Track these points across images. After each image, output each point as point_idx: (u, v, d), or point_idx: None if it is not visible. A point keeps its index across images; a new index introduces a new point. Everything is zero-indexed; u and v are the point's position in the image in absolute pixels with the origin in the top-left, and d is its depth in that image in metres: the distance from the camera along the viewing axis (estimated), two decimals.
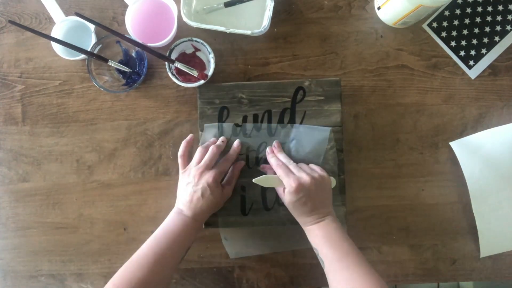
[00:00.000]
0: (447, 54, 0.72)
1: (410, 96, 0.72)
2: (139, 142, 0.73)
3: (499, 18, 0.72)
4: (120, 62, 0.71)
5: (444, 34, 0.72)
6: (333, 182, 0.65)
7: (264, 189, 0.68)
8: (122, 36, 0.67)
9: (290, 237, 0.71)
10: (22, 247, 0.73)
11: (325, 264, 0.58)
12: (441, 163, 0.72)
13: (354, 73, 0.72)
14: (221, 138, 0.67)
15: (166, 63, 0.68)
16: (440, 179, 0.72)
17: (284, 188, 0.61)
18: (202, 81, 0.68)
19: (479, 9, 0.72)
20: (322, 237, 0.59)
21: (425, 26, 0.73)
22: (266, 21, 0.68)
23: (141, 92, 0.73)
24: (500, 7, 0.72)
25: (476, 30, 0.72)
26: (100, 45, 0.69)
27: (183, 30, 0.71)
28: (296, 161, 0.65)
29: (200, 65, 0.71)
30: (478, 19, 0.72)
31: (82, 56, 0.69)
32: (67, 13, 0.71)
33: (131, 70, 0.70)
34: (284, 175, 0.61)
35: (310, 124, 0.68)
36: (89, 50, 0.68)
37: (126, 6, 0.69)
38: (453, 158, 0.71)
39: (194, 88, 0.71)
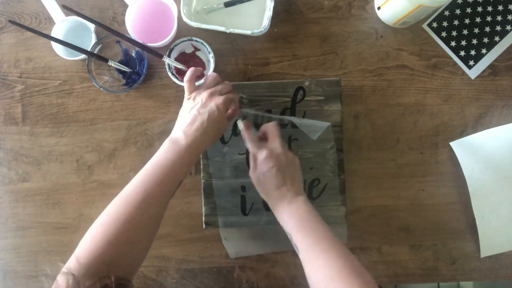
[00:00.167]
0: (447, 54, 0.72)
1: (410, 96, 0.72)
2: (139, 142, 0.73)
3: (499, 18, 0.72)
4: (120, 62, 0.71)
5: (444, 34, 0.72)
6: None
7: None
8: (121, 35, 0.67)
9: (290, 237, 0.71)
10: (22, 247, 0.73)
11: (299, 250, 0.56)
12: (441, 163, 0.72)
13: (354, 73, 0.72)
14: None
15: (166, 62, 0.68)
16: (440, 179, 0.72)
17: (255, 162, 0.59)
18: (202, 81, 0.67)
19: (479, 9, 0.72)
20: (295, 222, 0.57)
21: (425, 26, 0.73)
22: (266, 21, 0.68)
23: (141, 92, 0.73)
24: (500, 7, 0.72)
25: (476, 30, 0.72)
26: (100, 45, 0.69)
27: (183, 30, 0.71)
28: None
29: (200, 65, 0.71)
30: (478, 19, 0.72)
31: (82, 56, 0.69)
32: (67, 13, 0.71)
33: (131, 70, 0.70)
34: (256, 146, 0.60)
35: None
36: (89, 50, 0.68)
37: (126, 6, 0.69)
38: (453, 158, 0.71)
39: None
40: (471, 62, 0.72)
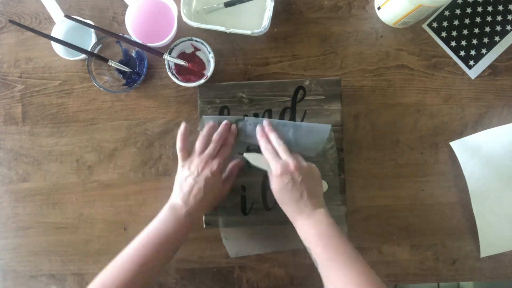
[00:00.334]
0: (447, 54, 0.72)
1: (410, 96, 0.72)
2: (139, 142, 0.73)
3: (499, 18, 0.72)
4: (120, 62, 0.71)
5: (444, 34, 0.72)
6: (325, 186, 0.65)
7: (264, 189, 0.68)
8: (122, 37, 0.67)
9: (290, 237, 0.71)
10: (22, 247, 0.73)
11: (319, 264, 0.55)
12: (441, 163, 0.72)
13: (354, 73, 0.72)
14: (224, 122, 0.65)
15: (166, 62, 0.68)
16: (440, 179, 0.72)
17: (271, 178, 0.60)
18: (202, 81, 0.68)
19: (479, 9, 0.72)
20: (314, 236, 0.56)
21: (425, 26, 0.73)
22: (266, 21, 0.68)
23: (141, 92, 0.73)
24: (500, 7, 0.72)
25: (476, 30, 0.72)
26: (100, 45, 0.69)
27: (183, 30, 0.71)
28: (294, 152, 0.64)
29: (200, 65, 0.71)
30: (478, 19, 0.72)
31: (82, 56, 0.69)
32: (67, 13, 0.71)
33: (131, 70, 0.70)
34: (271, 158, 0.59)
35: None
36: (89, 50, 0.68)
37: (126, 6, 0.69)
38: (453, 158, 0.71)
39: (194, 88, 0.71)
40: (471, 62, 0.72)
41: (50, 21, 0.73)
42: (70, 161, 0.73)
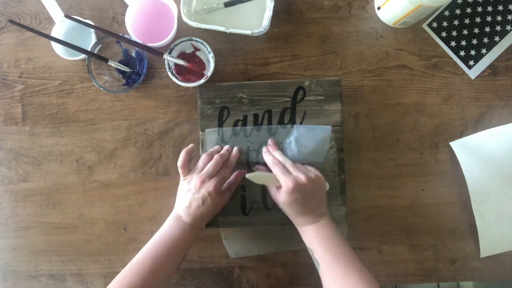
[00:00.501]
0: (447, 54, 0.72)
1: (410, 96, 0.72)
2: (139, 142, 0.73)
3: (499, 18, 0.72)
4: (120, 62, 0.71)
5: (444, 34, 0.72)
6: (327, 185, 0.65)
7: (264, 189, 0.68)
8: (122, 37, 0.67)
9: (290, 237, 0.71)
10: (22, 247, 0.73)
11: (320, 265, 0.58)
12: (441, 163, 0.72)
13: (354, 73, 0.72)
14: (226, 147, 0.67)
15: (166, 62, 0.68)
16: (440, 179, 0.72)
17: (278, 188, 0.61)
18: (202, 81, 0.68)
19: (479, 9, 0.72)
20: (317, 239, 0.60)
21: (425, 26, 0.73)
22: (266, 21, 0.68)
23: (141, 92, 0.73)
24: (500, 7, 0.72)
25: (476, 30, 0.72)
26: (100, 45, 0.69)
27: (183, 30, 0.71)
28: (297, 161, 0.65)
29: (200, 65, 0.71)
30: (478, 19, 0.72)
31: (82, 56, 0.69)
32: (67, 13, 0.71)
33: (131, 70, 0.70)
34: (281, 174, 0.60)
35: (310, 123, 0.68)
36: (89, 50, 0.68)
37: (126, 6, 0.69)
38: (453, 158, 0.71)
39: (194, 88, 0.71)
40: (471, 62, 0.72)
41: (50, 21, 0.73)
42: (70, 161, 0.73)
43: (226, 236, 0.71)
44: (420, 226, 0.72)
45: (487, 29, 0.72)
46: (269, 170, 0.64)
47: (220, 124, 0.69)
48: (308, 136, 0.67)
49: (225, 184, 0.65)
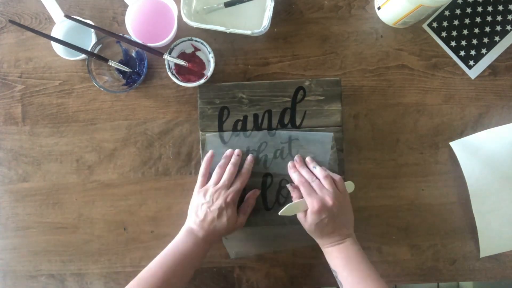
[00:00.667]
0: (447, 54, 0.72)
1: (410, 96, 0.72)
2: (139, 142, 0.73)
3: (499, 18, 0.72)
4: (120, 62, 0.71)
5: (444, 34, 0.72)
6: (351, 186, 0.65)
7: (264, 189, 0.68)
8: (122, 37, 0.67)
9: (290, 237, 0.71)
10: (22, 247, 0.73)
11: (344, 286, 0.59)
12: (441, 163, 0.72)
13: (354, 73, 0.72)
14: (236, 151, 0.67)
15: (166, 62, 0.68)
16: (440, 179, 0.72)
17: (305, 211, 0.61)
18: (202, 81, 0.68)
19: (479, 9, 0.72)
20: (341, 260, 0.60)
21: (425, 26, 0.73)
22: (266, 21, 0.68)
23: (141, 92, 0.73)
24: (500, 7, 0.72)
25: (476, 30, 0.72)
26: (100, 45, 0.69)
27: (183, 30, 0.71)
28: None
29: (200, 65, 0.71)
30: (478, 19, 0.72)
31: (82, 56, 0.69)
32: (67, 13, 0.71)
33: (131, 70, 0.70)
34: (307, 194, 0.61)
35: (310, 124, 0.68)
36: (89, 50, 0.68)
37: (126, 6, 0.69)
38: (453, 158, 0.71)
39: (194, 88, 0.71)
40: (471, 62, 0.72)
41: (50, 21, 0.73)
42: (70, 161, 0.73)
43: (226, 236, 0.71)
44: (420, 226, 0.72)
45: (487, 29, 0.72)
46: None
47: (220, 124, 0.69)
48: (310, 142, 0.67)
49: (240, 208, 0.65)
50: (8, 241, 0.73)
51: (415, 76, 0.72)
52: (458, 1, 0.72)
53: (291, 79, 0.72)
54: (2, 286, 0.73)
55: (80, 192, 0.73)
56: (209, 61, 0.70)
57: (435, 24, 0.72)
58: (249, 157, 0.67)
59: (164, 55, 0.67)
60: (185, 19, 0.68)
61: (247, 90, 0.69)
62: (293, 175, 0.65)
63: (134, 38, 0.67)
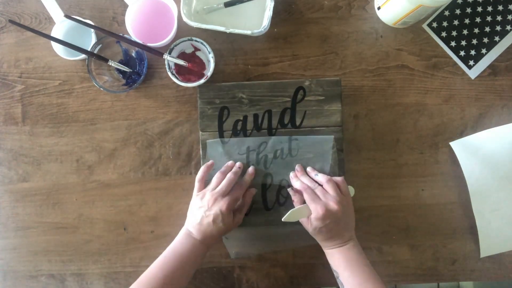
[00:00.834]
0: (447, 54, 0.72)
1: (410, 96, 0.72)
2: (139, 142, 0.73)
3: (499, 18, 0.72)
4: (120, 62, 0.71)
5: (444, 34, 0.72)
6: (352, 191, 0.66)
7: (264, 189, 0.68)
8: (122, 37, 0.67)
9: (290, 237, 0.71)
10: (22, 247, 0.73)
11: (345, 287, 0.60)
12: (441, 163, 0.72)
13: (354, 73, 0.72)
14: (238, 164, 0.67)
15: (166, 62, 0.68)
16: (440, 179, 0.72)
17: (309, 216, 0.62)
18: (202, 81, 0.68)
19: (479, 9, 0.72)
20: (343, 261, 0.61)
21: (425, 26, 0.73)
22: (266, 21, 0.68)
23: (141, 92, 0.73)
24: (500, 7, 0.72)
25: (476, 30, 0.72)
26: (100, 45, 0.69)
27: (183, 30, 0.71)
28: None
29: (200, 65, 0.71)
30: (478, 19, 0.72)
31: (82, 56, 0.69)
32: (67, 13, 0.71)
33: (131, 70, 0.70)
34: (311, 200, 0.61)
35: (310, 124, 0.68)
36: (89, 50, 0.68)
37: (126, 6, 0.69)
38: (453, 158, 0.71)
39: (194, 88, 0.71)
40: (471, 62, 0.72)
41: (50, 21, 0.73)
42: (70, 161, 0.73)
43: (226, 235, 0.71)
44: (420, 226, 0.72)
45: (487, 29, 0.72)
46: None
47: (220, 124, 0.69)
48: (310, 145, 0.67)
49: (236, 206, 0.65)
50: (8, 241, 0.73)
51: (415, 76, 0.72)
52: (458, 1, 0.72)
53: (291, 79, 0.72)
54: (2, 286, 0.73)
55: (80, 192, 0.73)
56: (209, 61, 0.70)
57: (435, 24, 0.72)
58: (250, 169, 0.67)
59: (164, 55, 0.67)
60: (185, 19, 0.68)
61: (247, 90, 0.69)
62: (295, 184, 0.65)
63: (134, 38, 0.68)
